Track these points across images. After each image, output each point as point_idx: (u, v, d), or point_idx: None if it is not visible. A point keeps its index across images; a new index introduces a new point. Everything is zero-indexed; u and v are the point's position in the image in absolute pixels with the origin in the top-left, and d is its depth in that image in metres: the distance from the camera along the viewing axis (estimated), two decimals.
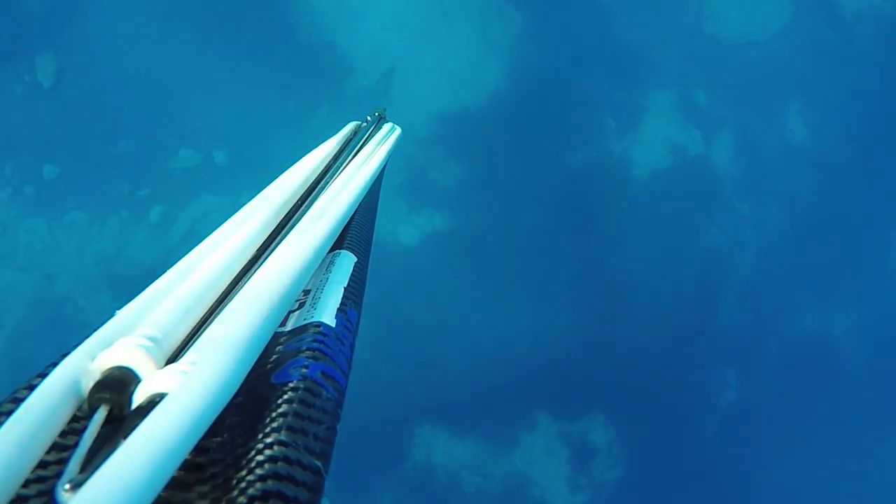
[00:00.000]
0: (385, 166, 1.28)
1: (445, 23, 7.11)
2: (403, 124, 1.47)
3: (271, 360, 0.64)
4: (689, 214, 6.88)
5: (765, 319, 7.01)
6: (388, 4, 7.08)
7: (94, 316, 6.84)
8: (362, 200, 1.03)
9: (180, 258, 0.68)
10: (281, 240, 0.76)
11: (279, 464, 0.49)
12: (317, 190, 0.95)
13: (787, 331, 7.07)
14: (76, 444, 0.44)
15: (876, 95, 7.15)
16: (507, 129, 6.97)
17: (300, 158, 1.05)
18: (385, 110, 1.50)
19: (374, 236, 1.12)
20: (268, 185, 0.91)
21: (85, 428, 0.45)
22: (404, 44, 7.08)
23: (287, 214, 0.85)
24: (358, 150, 1.18)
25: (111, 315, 0.57)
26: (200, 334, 0.56)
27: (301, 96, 7.05)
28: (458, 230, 6.88)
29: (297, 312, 0.75)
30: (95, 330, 0.53)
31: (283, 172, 0.97)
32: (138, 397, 0.47)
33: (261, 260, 0.72)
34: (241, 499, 0.47)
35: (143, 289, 0.60)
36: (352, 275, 0.86)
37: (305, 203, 0.89)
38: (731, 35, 7.11)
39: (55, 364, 0.49)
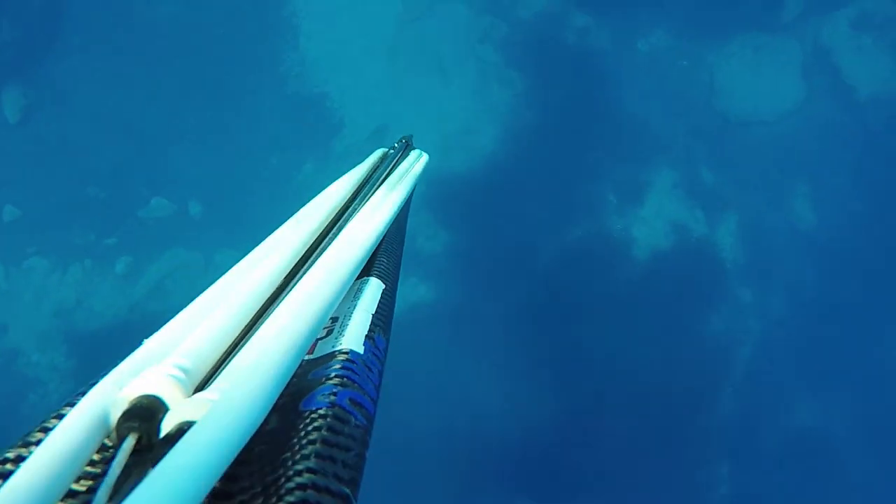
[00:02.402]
0: (412, 193, 1.27)
1: (442, 82, 6.74)
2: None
3: (299, 387, 0.65)
4: (689, 300, 6.52)
5: (761, 413, 6.64)
6: (384, 59, 6.71)
7: (45, 373, 6.35)
8: (390, 227, 1.02)
9: (207, 286, 0.67)
10: (309, 267, 0.76)
11: (308, 491, 0.50)
12: (345, 217, 0.94)
13: (783, 425, 6.70)
14: (104, 473, 0.45)
15: (888, 183, 6.86)
16: (501, 198, 6.60)
17: (329, 185, 1.04)
18: (412, 137, 1.49)
19: (402, 263, 1.10)
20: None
21: (113, 457, 0.44)
22: (398, 101, 6.71)
23: (315, 241, 0.84)
24: (386, 177, 1.17)
25: (138, 344, 0.55)
26: (229, 362, 0.55)
27: (286, 150, 6.64)
28: (443, 302, 6.48)
29: (324, 339, 0.75)
30: (123, 359, 0.52)
31: (311, 199, 0.97)
32: (167, 426, 0.47)
33: (289, 287, 0.71)
34: None
35: (166, 320, 0.59)
36: (380, 302, 0.86)
37: (333, 230, 0.88)
38: (740, 112, 6.79)
39: (83, 393, 0.49)
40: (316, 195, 0.98)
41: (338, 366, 0.67)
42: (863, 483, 6.76)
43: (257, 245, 0.79)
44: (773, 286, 6.67)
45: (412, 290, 6.48)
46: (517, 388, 6.43)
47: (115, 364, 0.52)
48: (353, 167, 1.17)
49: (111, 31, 6.71)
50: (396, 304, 0.96)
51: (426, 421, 6.22)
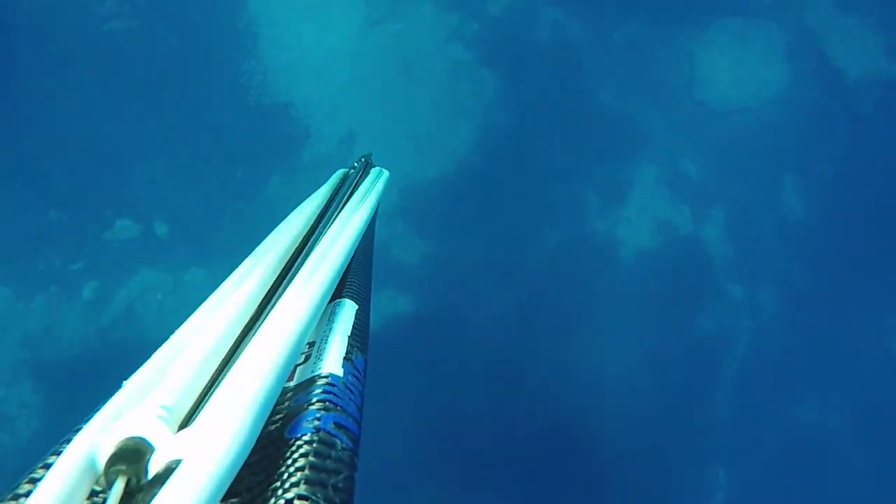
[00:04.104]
0: (377, 211, 1.26)
1: (410, 83, 6.47)
2: None
3: (282, 415, 0.64)
4: (679, 300, 6.27)
5: (757, 414, 6.41)
6: (348, 62, 6.43)
7: (13, 409, 6.13)
8: (357, 247, 1.02)
9: (181, 322, 0.66)
10: (280, 295, 0.75)
11: None
12: (311, 241, 0.93)
13: (780, 425, 6.47)
14: None
15: (878, 168, 6.59)
16: (478, 203, 6.34)
17: (292, 211, 1.02)
18: (371, 155, 1.48)
19: (372, 281, 1.08)
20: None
21: (104, 501, 0.44)
22: (366, 106, 6.44)
23: (284, 269, 0.83)
24: (348, 198, 1.16)
25: (118, 386, 0.54)
26: (210, 397, 0.55)
27: (252, 163, 6.38)
28: (423, 314, 6.24)
29: (303, 365, 0.75)
30: (104, 403, 0.52)
31: (275, 227, 0.95)
32: (154, 466, 0.47)
33: (263, 317, 0.70)
34: None
35: (146, 358, 0.58)
36: (354, 322, 0.86)
37: (301, 256, 0.87)
38: (723, 101, 6.52)
39: (68, 440, 0.49)
40: (279, 222, 0.97)
41: (319, 391, 0.67)
42: (863, 480, 6.54)
43: (227, 277, 0.77)
44: (765, 281, 6.42)
45: (389, 303, 6.24)
46: (503, 396, 6.20)
47: (96, 408, 0.50)
48: (314, 191, 1.16)
49: (65, 49, 6.44)
50: (372, 318, 0.93)
51: (407, 436, 6.01)
